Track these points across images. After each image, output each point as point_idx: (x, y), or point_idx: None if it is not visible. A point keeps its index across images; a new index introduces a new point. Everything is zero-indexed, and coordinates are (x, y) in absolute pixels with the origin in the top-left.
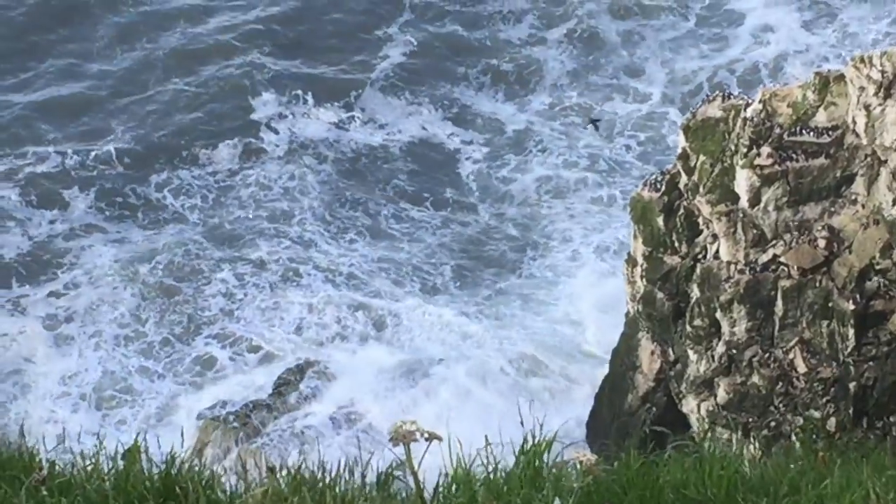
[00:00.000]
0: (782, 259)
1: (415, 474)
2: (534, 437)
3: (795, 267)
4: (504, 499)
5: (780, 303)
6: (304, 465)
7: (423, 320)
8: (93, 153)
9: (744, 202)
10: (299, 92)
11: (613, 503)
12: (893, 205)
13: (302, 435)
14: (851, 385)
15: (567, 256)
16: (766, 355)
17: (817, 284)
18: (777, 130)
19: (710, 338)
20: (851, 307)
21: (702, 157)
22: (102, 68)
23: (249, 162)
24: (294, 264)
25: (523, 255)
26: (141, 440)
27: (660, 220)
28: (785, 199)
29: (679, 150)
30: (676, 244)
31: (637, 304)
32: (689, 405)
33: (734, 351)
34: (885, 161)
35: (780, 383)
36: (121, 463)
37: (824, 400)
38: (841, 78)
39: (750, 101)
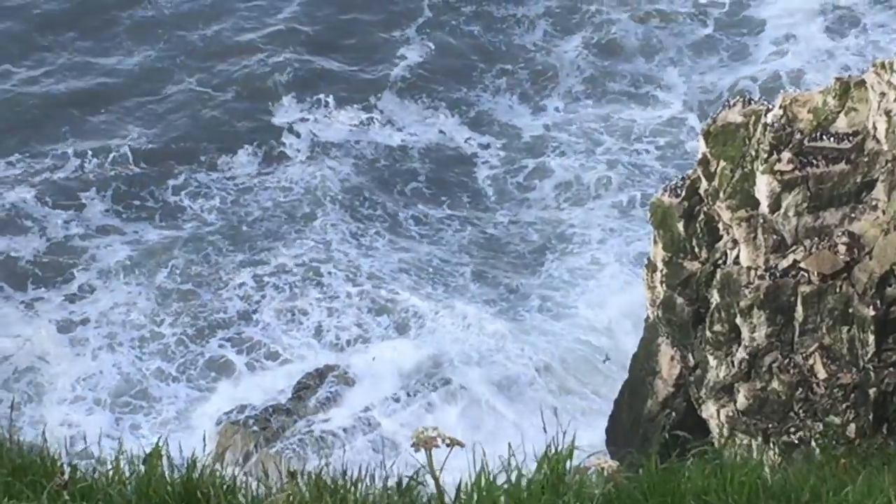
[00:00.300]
0: (802, 265)
1: (437, 480)
2: (556, 444)
3: (815, 273)
4: None
5: (800, 308)
6: (325, 470)
7: (444, 323)
8: (110, 154)
9: (764, 207)
10: (319, 95)
11: None
12: None
13: (322, 439)
14: (871, 391)
15: (587, 261)
16: (786, 361)
17: (837, 290)
18: (797, 136)
19: (729, 343)
20: (872, 313)
21: (722, 163)
22: (120, 69)
23: (268, 164)
24: (315, 265)
25: (543, 259)
26: (161, 444)
27: (680, 226)
28: (805, 205)
29: (699, 156)
30: (696, 249)
31: (657, 310)
32: (709, 411)
33: (754, 357)
34: None
35: (800, 389)
36: (141, 467)
37: (844, 406)
38: (862, 83)
39: (770, 106)
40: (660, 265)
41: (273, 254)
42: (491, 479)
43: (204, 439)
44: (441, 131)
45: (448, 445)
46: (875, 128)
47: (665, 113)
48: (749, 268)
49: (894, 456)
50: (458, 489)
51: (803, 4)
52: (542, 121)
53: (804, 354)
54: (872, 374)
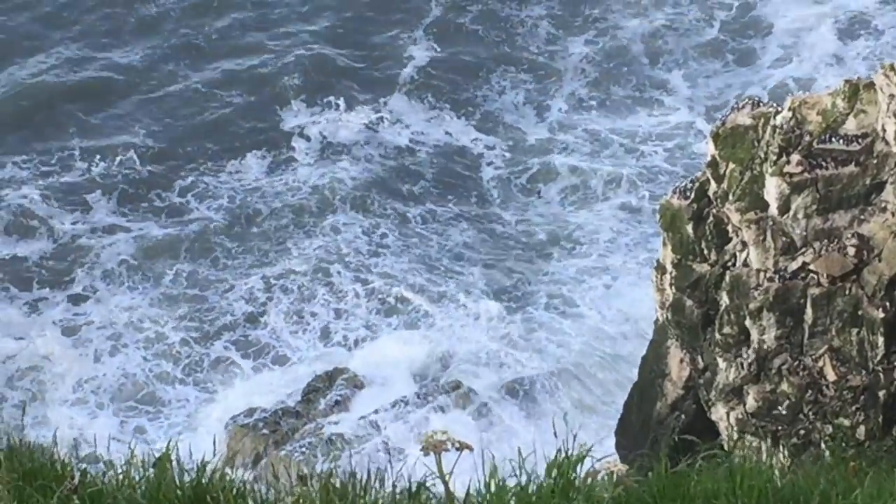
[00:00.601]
0: (812, 267)
1: (446, 484)
2: (566, 448)
3: (825, 275)
4: None
5: (809, 311)
6: (334, 474)
7: (452, 323)
8: (117, 155)
9: (773, 210)
10: (328, 95)
11: None
12: None
13: (331, 442)
14: (881, 393)
15: (594, 262)
16: (796, 363)
17: (847, 292)
18: (806, 138)
19: (739, 345)
20: (881, 315)
21: (731, 165)
22: (128, 69)
23: (276, 164)
24: (324, 265)
25: (550, 259)
26: (171, 448)
27: (689, 228)
28: (814, 207)
29: (708, 158)
30: (706, 252)
31: (666, 312)
32: (719, 413)
33: (763, 359)
34: None
35: (810, 391)
36: (151, 471)
37: (854, 408)
38: (871, 86)
39: (779, 108)
40: (669, 267)
41: (281, 254)
42: (501, 483)
43: (214, 443)
44: (448, 132)
45: (457, 449)
46: (884, 130)
47: (671, 115)
48: (758, 270)
49: None
50: (468, 493)
51: (812, 7)
52: (548, 122)
53: (814, 357)
54: (882, 376)
